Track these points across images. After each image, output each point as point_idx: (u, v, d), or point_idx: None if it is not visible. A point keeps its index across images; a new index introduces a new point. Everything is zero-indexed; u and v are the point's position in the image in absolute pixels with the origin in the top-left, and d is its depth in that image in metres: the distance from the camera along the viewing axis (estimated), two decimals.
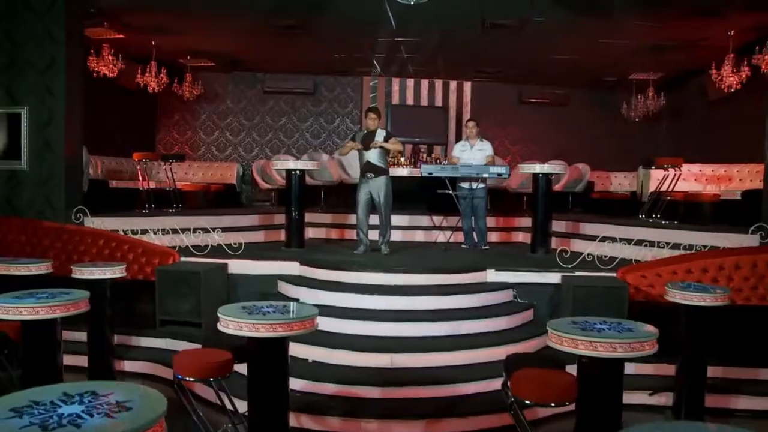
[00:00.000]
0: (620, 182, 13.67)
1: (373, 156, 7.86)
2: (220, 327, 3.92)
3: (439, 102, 14.23)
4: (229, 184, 13.03)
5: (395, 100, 14.09)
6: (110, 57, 10.08)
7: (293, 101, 14.20)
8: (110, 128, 11.60)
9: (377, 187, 7.91)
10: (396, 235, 8.77)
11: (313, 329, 4.02)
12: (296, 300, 6.69)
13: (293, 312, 4.06)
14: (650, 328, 3.77)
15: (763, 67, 8.70)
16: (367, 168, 7.89)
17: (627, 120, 13.36)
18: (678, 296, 5.41)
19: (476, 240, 8.94)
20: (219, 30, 10.34)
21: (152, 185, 10.00)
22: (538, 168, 8.09)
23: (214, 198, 11.60)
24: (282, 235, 9.35)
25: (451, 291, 6.59)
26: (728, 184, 10.27)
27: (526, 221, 10.53)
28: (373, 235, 8.17)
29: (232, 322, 3.83)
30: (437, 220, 9.93)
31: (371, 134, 7.94)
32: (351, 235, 9.79)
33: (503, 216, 10.44)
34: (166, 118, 14.01)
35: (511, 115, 14.35)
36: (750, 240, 7.16)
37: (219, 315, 3.94)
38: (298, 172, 8.22)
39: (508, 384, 3.95)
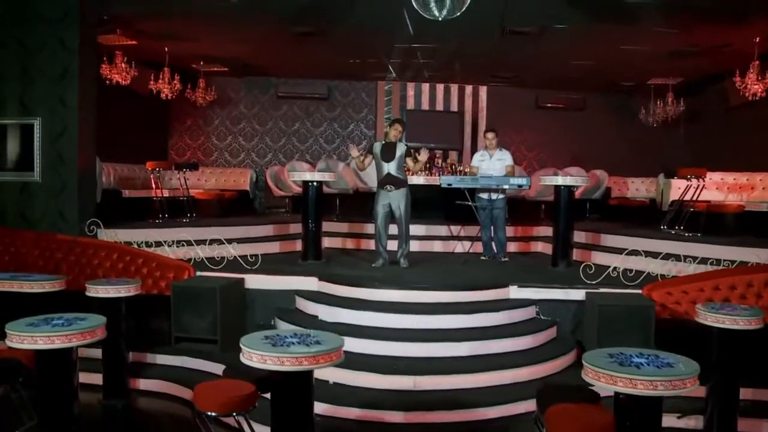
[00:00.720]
0: (637, 188, 13.50)
1: (393, 168, 7.71)
2: (243, 359, 3.79)
3: (454, 107, 14.03)
4: (243, 190, 12.93)
5: (410, 105, 13.92)
6: (123, 65, 9.97)
7: (307, 106, 14.04)
8: (122, 134, 11.48)
9: (397, 199, 7.76)
10: (413, 246, 8.60)
11: (339, 360, 3.89)
12: (315, 317, 6.59)
13: (319, 342, 3.91)
14: (691, 364, 3.59)
15: None
16: (388, 180, 7.73)
17: (645, 125, 13.13)
18: (710, 318, 5.26)
19: (495, 251, 8.79)
20: (234, 36, 10.20)
21: (165, 193, 9.89)
22: (560, 180, 7.93)
23: (228, 205, 11.47)
24: (298, 246, 9.22)
25: (474, 308, 6.45)
26: (751, 194, 10.06)
27: (545, 230, 10.41)
28: (392, 245, 8.02)
29: (256, 355, 3.69)
30: (455, 229, 9.77)
31: (392, 146, 7.77)
32: (367, 245, 9.66)
33: (521, 225, 10.27)
34: (179, 123, 13.89)
35: (528, 120, 14.15)
36: None
37: (242, 346, 3.81)
38: (315, 183, 8.06)
39: (542, 419, 3.80)
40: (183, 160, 13.71)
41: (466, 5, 5.09)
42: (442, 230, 10.03)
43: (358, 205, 10.70)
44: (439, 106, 14.00)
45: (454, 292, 6.68)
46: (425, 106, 13.98)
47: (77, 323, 4.36)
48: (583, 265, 6.84)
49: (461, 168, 12.29)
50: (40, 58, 7.85)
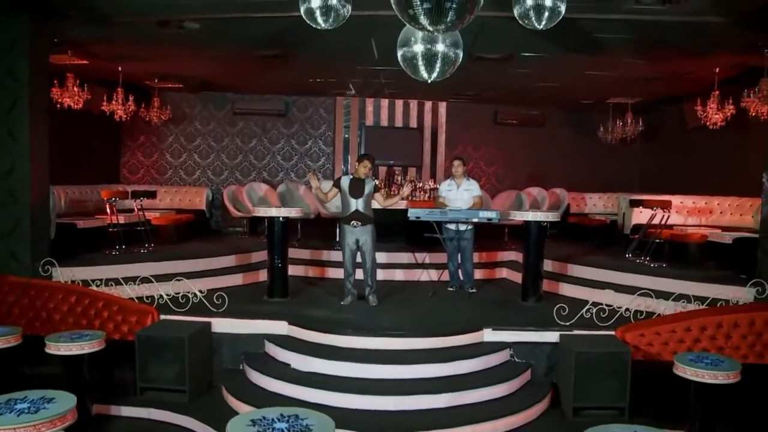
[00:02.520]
0: (595, 203, 13.66)
1: (361, 204, 7.56)
2: None
3: (413, 122, 13.92)
4: (199, 210, 12.59)
5: (369, 120, 13.74)
6: (75, 88, 9.51)
7: (264, 122, 13.73)
8: (72, 154, 11.02)
9: (364, 236, 7.63)
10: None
11: None
12: (287, 365, 6.41)
13: (309, 428, 3.73)
14: None
15: (752, 111, 8.65)
16: (355, 216, 7.57)
17: (603, 141, 13.27)
18: (689, 372, 5.33)
19: (462, 281, 8.72)
20: (193, 58, 9.88)
21: (121, 219, 9.51)
22: (531, 216, 7.88)
23: (185, 229, 11.15)
24: (261, 276, 9.07)
25: (450, 356, 6.35)
26: (709, 217, 10.26)
27: (509, 255, 10.43)
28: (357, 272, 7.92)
29: None
30: (419, 256, 9.67)
31: (361, 182, 7.62)
32: (331, 273, 9.54)
33: (485, 251, 10.20)
34: (131, 140, 13.40)
35: (486, 136, 14.15)
36: (746, 293, 7.11)
37: None
38: (281, 219, 7.84)
39: None
40: (136, 178, 13.28)
41: (456, 67, 4.98)
42: (404, 257, 9.91)
43: (320, 230, 10.47)
44: (399, 122, 13.87)
45: (429, 339, 6.55)
46: (384, 122, 13.83)
47: (45, 408, 4.08)
48: (556, 307, 6.82)
49: (420, 185, 12.19)
50: None
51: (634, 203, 9.65)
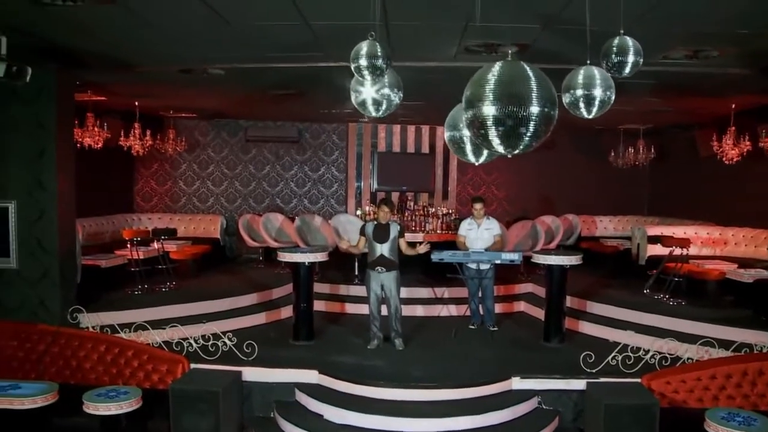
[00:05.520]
0: (605, 226, 13.79)
1: (386, 249, 7.63)
2: None
3: (425, 147, 14.02)
4: (214, 238, 12.67)
5: (381, 146, 13.85)
6: (96, 128, 9.57)
7: (277, 149, 13.82)
8: (86, 185, 11.00)
9: (389, 281, 7.70)
10: None
11: None
12: (319, 416, 6.48)
13: None
14: None
15: None
16: (381, 262, 7.63)
17: (614, 165, 13.35)
18: (720, 431, 5.39)
19: (483, 319, 8.82)
20: (210, 95, 9.94)
21: (141, 254, 9.59)
22: (553, 259, 7.96)
23: (203, 261, 11.24)
24: (283, 314, 9.18)
25: (480, 406, 6.43)
26: (724, 248, 10.35)
27: (525, 287, 10.50)
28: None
29: None
30: (439, 291, 9.76)
31: (385, 227, 7.69)
32: (351, 309, 9.65)
33: (503, 284, 10.26)
34: (145, 168, 13.49)
35: (498, 160, 13.92)
36: None
37: None
38: (307, 263, 7.92)
39: None
40: (149, 206, 13.37)
41: (394, 106, 5.06)
42: (423, 292, 10.00)
43: (337, 263, 10.52)
44: (411, 148, 13.97)
45: (460, 390, 6.62)
46: (396, 147, 13.93)
47: None
48: (583, 355, 6.88)
49: (433, 210, 12.26)
50: (15, 138, 7.46)
51: (653, 240, 9.72)
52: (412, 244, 7.99)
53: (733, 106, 9.18)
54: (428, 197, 13.79)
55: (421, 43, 6.45)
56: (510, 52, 4.27)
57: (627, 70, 4.26)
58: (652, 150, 12.45)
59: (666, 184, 13.85)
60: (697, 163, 12.07)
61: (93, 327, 7.38)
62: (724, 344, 7.09)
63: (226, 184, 13.79)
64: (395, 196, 13.39)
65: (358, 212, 12.34)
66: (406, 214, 12.14)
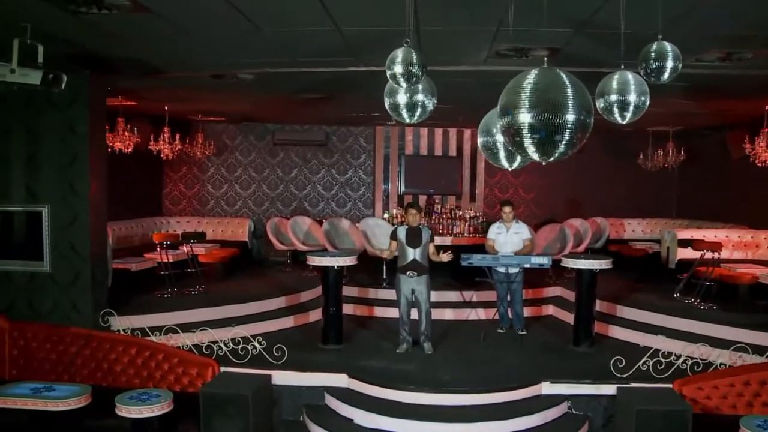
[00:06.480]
0: (634, 229, 13.67)
1: (419, 254, 7.62)
2: None
3: (453, 149, 14.01)
4: (241, 241, 12.76)
5: (408, 149, 13.85)
6: (126, 133, 9.70)
7: (304, 153, 13.89)
8: (116, 189, 11.15)
9: (420, 286, 7.69)
10: None
11: None
12: (350, 420, 6.50)
13: None
14: None
15: None
16: (412, 266, 7.62)
17: (642, 167, 13.20)
18: None
19: (512, 322, 8.78)
20: (240, 99, 10.01)
21: (170, 257, 9.69)
22: (582, 264, 7.91)
23: (231, 264, 11.33)
24: (311, 317, 9.22)
25: (509, 411, 6.42)
26: (756, 251, 10.20)
27: (554, 291, 10.45)
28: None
29: None
30: (467, 295, 9.74)
31: (417, 231, 7.68)
32: (380, 312, 9.69)
33: (531, 288, 10.19)
34: (173, 172, 13.64)
35: None
36: None
37: None
38: (336, 267, 7.94)
39: None
40: (178, 209, 13.50)
41: (428, 112, 5.00)
42: (452, 295, 9.98)
43: (366, 266, 10.52)
44: (438, 151, 13.95)
45: (489, 394, 6.61)
46: (424, 150, 13.92)
47: None
48: (613, 360, 6.81)
49: (461, 213, 12.24)
50: (49, 144, 7.58)
51: (683, 243, 9.60)
52: (438, 249, 7.97)
53: (767, 107, 9.04)
54: (455, 200, 13.75)
55: (451, 47, 6.43)
56: (545, 58, 4.24)
57: (666, 75, 4.21)
58: (682, 152, 12.30)
59: (695, 186, 13.66)
60: (728, 165, 11.91)
61: (124, 330, 7.46)
62: (759, 350, 6.99)
63: (253, 188, 13.88)
64: (422, 199, 13.38)
65: (386, 215, 12.35)
66: (434, 217, 12.14)
